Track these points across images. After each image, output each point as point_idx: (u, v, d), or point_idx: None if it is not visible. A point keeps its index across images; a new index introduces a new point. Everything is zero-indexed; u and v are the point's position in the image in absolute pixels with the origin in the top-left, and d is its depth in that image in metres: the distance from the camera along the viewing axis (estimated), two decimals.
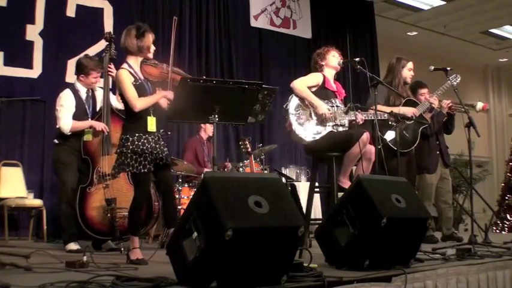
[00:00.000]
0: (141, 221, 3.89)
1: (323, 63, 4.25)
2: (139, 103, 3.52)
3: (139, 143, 3.53)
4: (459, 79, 5.09)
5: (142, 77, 3.63)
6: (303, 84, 4.09)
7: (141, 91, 3.56)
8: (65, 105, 4.58)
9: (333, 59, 4.25)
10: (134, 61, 3.63)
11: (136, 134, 3.54)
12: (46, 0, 6.46)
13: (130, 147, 3.52)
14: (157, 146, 3.62)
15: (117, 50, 4.79)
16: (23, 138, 6.33)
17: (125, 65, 3.60)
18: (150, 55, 3.65)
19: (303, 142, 4.06)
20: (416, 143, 4.91)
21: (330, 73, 4.28)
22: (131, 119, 3.61)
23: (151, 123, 3.58)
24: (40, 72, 6.37)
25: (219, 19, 8.09)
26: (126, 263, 3.44)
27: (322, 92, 4.14)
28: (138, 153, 3.52)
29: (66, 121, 4.54)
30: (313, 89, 4.11)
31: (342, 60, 4.28)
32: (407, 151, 4.81)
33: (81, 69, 4.73)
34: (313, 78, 4.19)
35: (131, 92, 3.52)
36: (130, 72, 3.57)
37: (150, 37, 3.62)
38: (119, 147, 3.61)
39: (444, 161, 5.60)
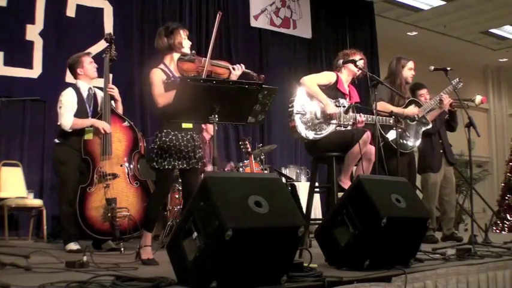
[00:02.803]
0: (157, 218, 3.85)
1: (343, 64, 4.20)
2: (161, 99, 3.53)
3: (167, 139, 3.52)
4: (461, 84, 5.09)
5: (176, 75, 3.63)
6: (313, 81, 4.06)
7: (172, 88, 3.55)
8: (67, 103, 4.58)
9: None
10: (169, 59, 3.68)
11: (165, 130, 3.55)
12: (46, 0, 6.46)
13: (158, 142, 3.54)
14: (189, 144, 3.58)
15: (117, 51, 4.81)
16: (23, 138, 6.33)
17: (161, 65, 3.66)
18: (186, 50, 3.66)
19: (304, 140, 4.06)
20: (418, 143, 4.90)
21: (346, 75, 4.25)
22: (162, 115, 3.59)
23: None
24: (40, 72, 6.38)
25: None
26: (135, 260, 3.43)
27: (332, 91, 4.11)
28: (163, 148, 3.51)
29: (67, 118, 4.53)
30: (324, 88, 4.08)
31: (360, 62, 4.17)
32: (408, 151, 4.80)
33: (73, 65, 4.73)
34: (325, 77, 4.17)
35: (157, 89, 3.55)
36: (164, 71, 3.62)
37: (180, 33, 3.66)
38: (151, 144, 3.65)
39: (447, 159, 5.57)
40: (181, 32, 3.67)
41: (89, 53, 4.78)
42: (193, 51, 3.68)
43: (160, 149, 3.52)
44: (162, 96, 3.52)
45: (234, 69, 3.64)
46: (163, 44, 3.66)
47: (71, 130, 4.54)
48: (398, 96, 4.78)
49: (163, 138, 3.53)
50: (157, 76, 3.57)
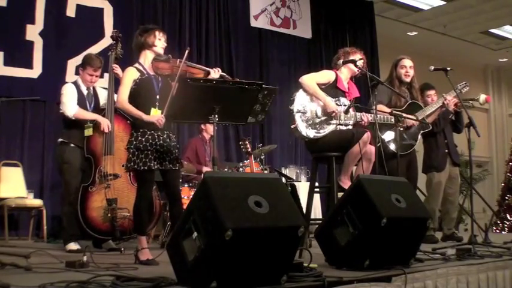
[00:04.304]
0: (147, 221, 3.83)
1: (343, 64, 4.19)
2: (120, 104, 3.59)
3: (143, 139, 3.52)
4: (468, 88, 5.08)
5: (151, 73, 3.65)
6: (312, 80, 4.04)
7: (144, 84, 3.60)
8: (69, 94, 4.58)
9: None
10: (143, 57, 3.70)
11: (141, 130, 3.55)
12: (46, 0, 6.46)
13: (134, 142, 3.53)
14: (165, 144, 3.57)
15: (122, 49, 4.79)
16: (23, 138, 6.33)
17: (136, 64, 3.69)
18: (157, 49, 3.68)
19: (305, 139, 4.06)
20: (415, 145, 4.88)
21: (345, 74, 4.23)
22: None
23: (155, 115, 3.56)
24: (40, 72, 6.38)
25: (219, 19, 8.10)
26: (135, 264, 3.43)
27: (332, 90, 4.10)
28: (140, 149, 3.51)
29: (71, 106, 4.53)
30: (323, 87, 4.07)
31: (360, 62, 4.13)
32: (406, 153, 4.78)
33: (82, 63, 4.75)
34: (324, 76, 4.15)
35: (122, 90, 3.59)
36: (138, 69, 3.64)
37: (155, 34, 3.67)
38: (127, 144, 3.65)
39: (452, 160, 5.55)
40: (157, 32, 3.70)
41: (99, 67, 4.70)
42: (169, 55, 3.70)
43: (136, 149, 3.52)
44: (123, 103, 3.57)
45: (211, 72, 3.66)
46: (138, 42, 3.71)
47: (74, 118, 4.51)
48: (395, 97, 4.77)
49: (140, 138, 3.53)
50: (129, 75, 3.61)
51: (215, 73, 3.66)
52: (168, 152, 3.59)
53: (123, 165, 4.55)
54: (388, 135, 4.67)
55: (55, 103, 4.73)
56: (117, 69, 4.63)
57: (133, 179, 4.58)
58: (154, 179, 3.70)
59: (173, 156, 3.63)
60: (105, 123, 4.52)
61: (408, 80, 4.95)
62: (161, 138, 3.57)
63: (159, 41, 3.69)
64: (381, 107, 4.52)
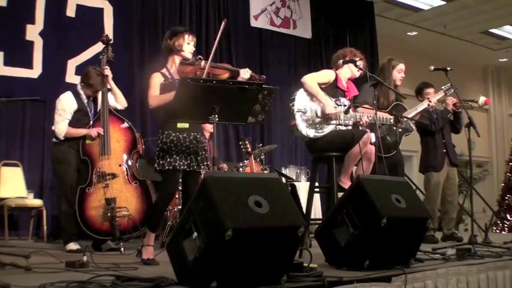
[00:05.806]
0: (161, 220, 3.86)
1: (343, 64, 4.19)
2: (152, 100, 3.56)
3: (168, 140, 3.52)
4: (452, 90, 5.05)
5: (176, 77, 3.64)
6: (314, 80, 4.05)
7: (168, 89, 3.56)
8: (63, 111, 4.59)
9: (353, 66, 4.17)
10: (171, 62, 3.70)
11: (166, 132, 3.55)
12: (46, 0, 6.47)
13: (160, 145, 3.55)
14: (191, 146, 3.57)
15: (116, 51, 4.82)
16: (23, 138, 6.34)
17: (163, 69, 3.68)
18: (186, 54, 3.66)
19: (305, 139, 4.06)
20: (398, 147, 4.82)
21: (345, 73, 4.24)
22: (164, 117, 3.60)
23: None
24: (40, 72, 6.38)
25: (219, 19, 8.09)
26: (136, 256, 3.42)
27: (332, 90, 4.12)
28: (164, 150, 3.52)
29: (61, 126, 4.56)
30: (323, 86, 4.08)
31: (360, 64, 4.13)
32: (388, 155, 4.70)
33: (84, 79, 4.71)
34: (324, 75, 4.17)
35: (151, 91, 3.58)
36: (163, 73, 3.63)
37: (184, 37, 3.65)
38: (155, 146, 3.65)
39: (450, 160, 5.54)
40: (186, 36, 3.66)
41: (100, 89, 4.67)
42: (199, 56, 3.68)
43: (161, 151, 3.53)
44: (154, 98, 3.55)
45: (241, 72, 3.62)
46: (166, 46, 3.69)
47: (63, 138, 4.56)
48: (383, 98, 4.75)
49: (164, 140, 3.54)
50: (155, 80, 3.61)
51: (245, 73, 3.62)
52: (194, 154, 3.59)
53: (120, 165, 4.59)
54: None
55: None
56: (107, 71, 4.64)
57: (131, 178, 4.60)
58: (178, 179, 3.70)
59: (200, 158, 3.63)
60: (94, 132, 4.54)
61: (400, 84, 4.97)
62: (187, 140, 3.57)
63: (188, 45, 3.66)
64: (366, 107, 4.50)
